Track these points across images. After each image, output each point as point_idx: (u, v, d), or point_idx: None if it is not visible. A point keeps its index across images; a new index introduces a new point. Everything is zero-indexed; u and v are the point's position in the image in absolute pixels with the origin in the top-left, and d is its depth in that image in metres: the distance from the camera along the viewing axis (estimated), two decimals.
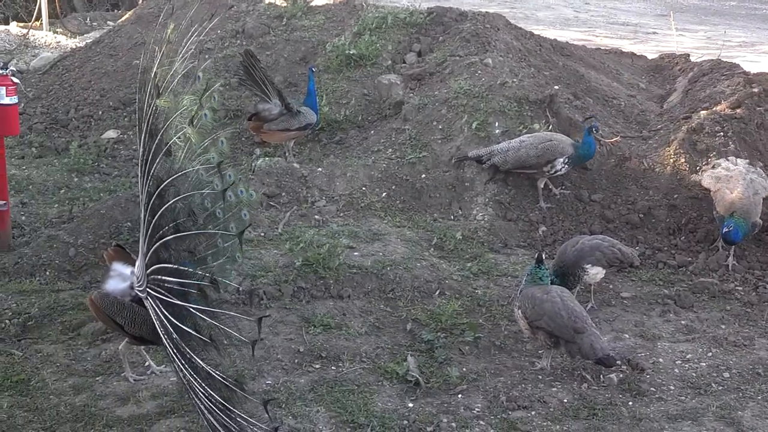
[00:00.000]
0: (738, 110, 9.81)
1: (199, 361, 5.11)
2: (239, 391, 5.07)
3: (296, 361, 6.55)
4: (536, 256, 6.85)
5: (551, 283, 6.83)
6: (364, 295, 7.48)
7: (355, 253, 7.90)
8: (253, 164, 9.61)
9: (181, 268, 5.31)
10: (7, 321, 6.86)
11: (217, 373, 5.08)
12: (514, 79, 10.41)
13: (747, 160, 8.96)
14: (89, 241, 7.90)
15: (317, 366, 6.53)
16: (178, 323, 5.22)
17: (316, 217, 8.80)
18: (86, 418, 5.74)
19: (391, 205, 9.25)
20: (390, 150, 9.96)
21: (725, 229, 8.07)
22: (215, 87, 5.66)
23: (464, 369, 6.59)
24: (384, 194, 9.35)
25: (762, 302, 7.82)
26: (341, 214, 8.95)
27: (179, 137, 5.43)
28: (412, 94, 10.81)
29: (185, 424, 5.62)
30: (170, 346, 5.25)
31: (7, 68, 7.77)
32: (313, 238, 7.94)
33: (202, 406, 5.09)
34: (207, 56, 11.34)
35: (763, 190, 8.40)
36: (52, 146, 10.87)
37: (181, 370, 5.21)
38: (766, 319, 7.53)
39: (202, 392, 5.07)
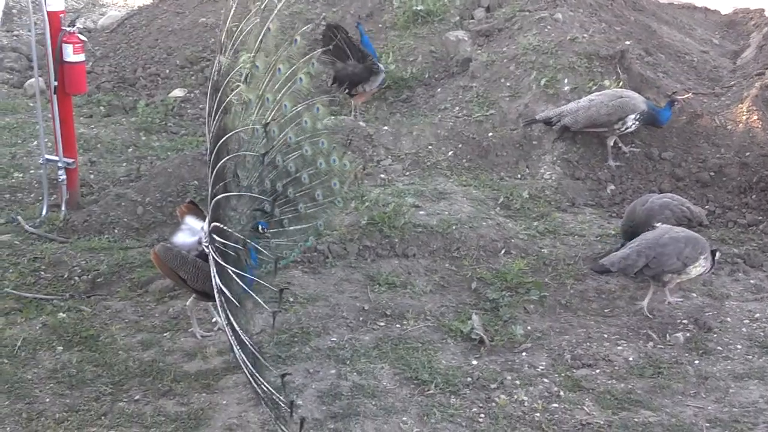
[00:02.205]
0: None
1: (234, 322, 5.10)
2: (261, 358, 5.01)
3: (361, 318, 6.57)
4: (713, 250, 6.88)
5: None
6: (429, 254, 7.45)
7: (421, 212, 7.85)
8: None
9: (224, 228, 5.29)
10: (76, 278, 7.00)
11: (245, 338, 5.06)
12: (585, 35, 10.20)
13: None
14: (157, 199, 7.99)
15: (382, 324, 6.54)
16: (220, 282, 5.20)
17: (382, 175, 8.77)
18: (154, 372, 5.85)
19: (457, 164, 9.17)
20: (457, 108, 9.86)
21: None
22: (316, 53, 5.65)
23: (529, 327, 6.56)
24: (450, 153, 9.27)
25: None
26: (407, 173, 8.90)
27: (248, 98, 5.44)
28: (479, 51, 10.66)
29: None
30: (219, 303, 5.26)
31: (74, 25, 7.76)
32: (378, 197, 7.93)
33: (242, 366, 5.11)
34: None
35: None
36: (120, 105, 10.94)
37: (226, 327, 5.22)
38: None
39: (237, 353, 5.08)
